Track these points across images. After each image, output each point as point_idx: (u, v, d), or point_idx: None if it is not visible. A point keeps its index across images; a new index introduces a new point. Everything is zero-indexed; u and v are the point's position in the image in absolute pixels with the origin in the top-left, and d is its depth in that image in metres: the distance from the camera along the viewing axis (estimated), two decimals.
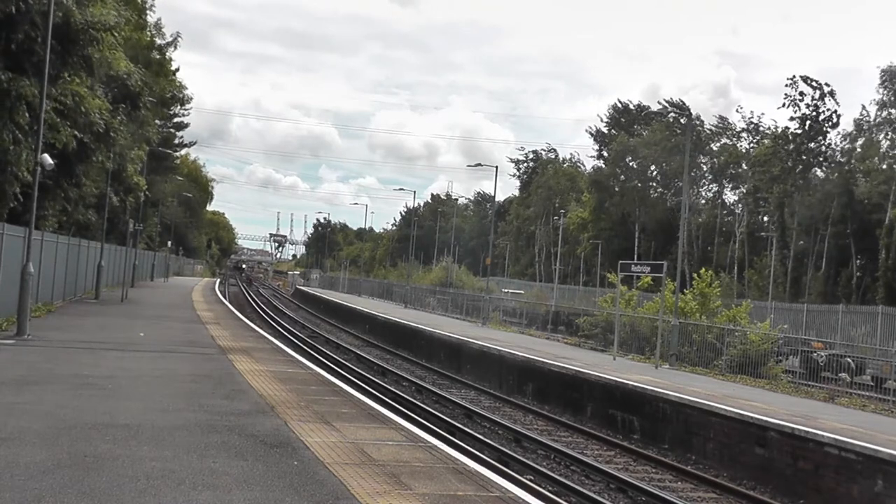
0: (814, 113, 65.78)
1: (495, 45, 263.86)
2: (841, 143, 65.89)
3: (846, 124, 66.25)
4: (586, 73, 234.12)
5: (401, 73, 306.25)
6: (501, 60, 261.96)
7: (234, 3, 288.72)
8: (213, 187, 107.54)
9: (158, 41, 43.94)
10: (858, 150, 64.67)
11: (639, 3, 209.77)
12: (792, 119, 66.73)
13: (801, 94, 66.19)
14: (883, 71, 60.18)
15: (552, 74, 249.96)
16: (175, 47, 45.83)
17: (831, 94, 65.49)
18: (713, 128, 79.22)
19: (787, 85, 66.85)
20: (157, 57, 42.47)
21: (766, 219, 72.37)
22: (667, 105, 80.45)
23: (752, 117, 75.62)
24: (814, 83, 66.05)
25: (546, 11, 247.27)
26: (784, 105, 66.96)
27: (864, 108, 64.43)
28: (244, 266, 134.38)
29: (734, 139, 77.35)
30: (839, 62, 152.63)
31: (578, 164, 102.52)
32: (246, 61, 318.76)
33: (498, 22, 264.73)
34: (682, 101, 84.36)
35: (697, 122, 78.17)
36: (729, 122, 78.28)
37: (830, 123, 65.58)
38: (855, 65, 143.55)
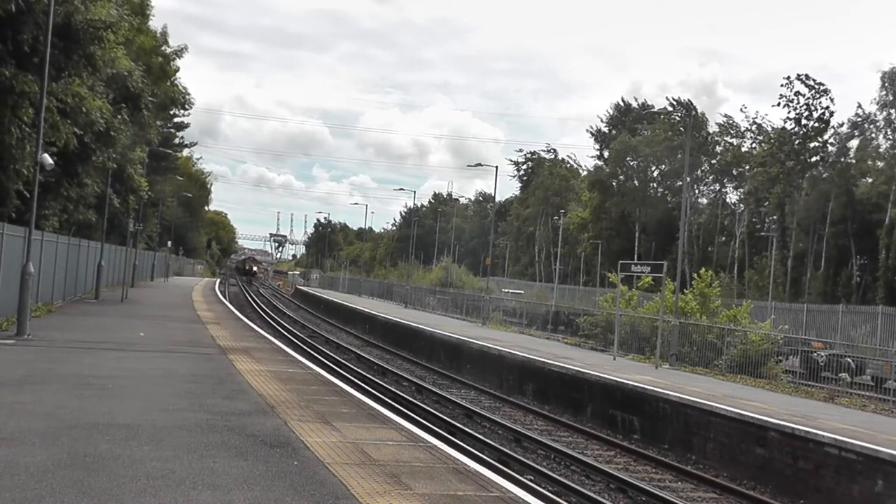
0: (808, 112, 65.85)
1: (472, 45, 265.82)
2: (837, 142, 65.92)
3: (843, 123, 66.34)
4: (569, 73, 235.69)
5: (382, 71, 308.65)
6: (484, 60, 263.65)
7: (210, 0, 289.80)
8: (210, 183, 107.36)
9: (165, 48, 43.98)
10: (855, 149, 64.73)
11: (621, 3, 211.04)
12: (787, 120, 66.81)
13: (798, 93, 66.24)
14: (885, 73, 60.25)
15: (535, 73, 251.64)
16: (180, 56, 45.88)
17: (825, 91, 65.63)
18: (720, 126, 79.10)
19: (782, 84, 66.96)
20: (160, 60, 42.41)
21: (767, 219, 72.33)
22: (672, 103, 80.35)
23: (756, 118, 75.63)
24: (810, 82, 66.08)
25: (528, 11, 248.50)
26: (779, 104, 67.10)
27: (859, 106, 64.46)
28: (255, 269, 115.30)
29: (739, 138, 77.19)
30: (822, 61, 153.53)
31: (572, 163, 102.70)
32: (225, 59, 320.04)
33: (476, 21, 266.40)
34: (689, 100, 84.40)
35: (703, 119, 78.11)
36: (734, 122, 78.23)
37: (824, 123, 65.65)
38: (839, 64, 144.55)
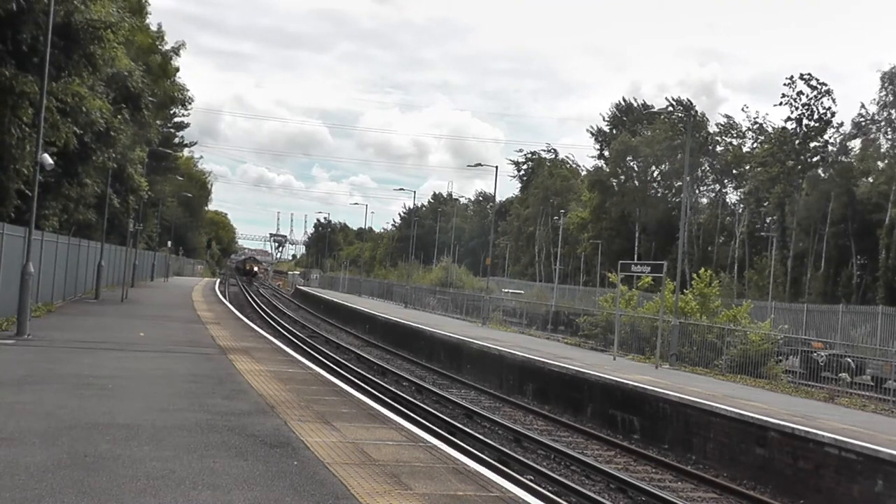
0: (809, 112, 65.95)
1: (472, 45, 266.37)
2: (839, 141, 66.02)
3: (843, 123, 66.44)
4: (568, 73, 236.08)
5: (382, 71, 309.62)
6: (484, 60, 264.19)
7: (210, 0, 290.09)
8: (210, 183, 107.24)
9: (162, 47, 43.93)
10: (856, 149, 64.83)
11: (621, 3, 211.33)
12: (788, 119, 66.90)
13: (800, 93, 66.32)
14: (885, 73, 60.33)
15: (534, 73, 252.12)
16: (178, 54, 45.86)
17: (828, 92, 65.76)
18: (719, 126, 79.07)
19: (785, 84, 67.05)
20: (159, 59, 42.39)
21: (767, 219, 72.33)
22: (672, 103, 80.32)
23: (757, 117, 75.65)
24: (813, 82, 66.18)
25: (528, 11, 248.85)
26: (781, 104, 67.22)
27: (862, 106, 64.52)
28: (255, 269, 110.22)
29: (739, 139, 77.17)
30: (822, 61, 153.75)
31: (572, 163, 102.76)
32: (225, 58, 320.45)
33: (476, 21, 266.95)
34: (689, 100, 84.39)
35: (703, 119, 78.10)
36: (734, 122, 78.24)
37: (825, 122, 65.73)
38: (839, 64, 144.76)
